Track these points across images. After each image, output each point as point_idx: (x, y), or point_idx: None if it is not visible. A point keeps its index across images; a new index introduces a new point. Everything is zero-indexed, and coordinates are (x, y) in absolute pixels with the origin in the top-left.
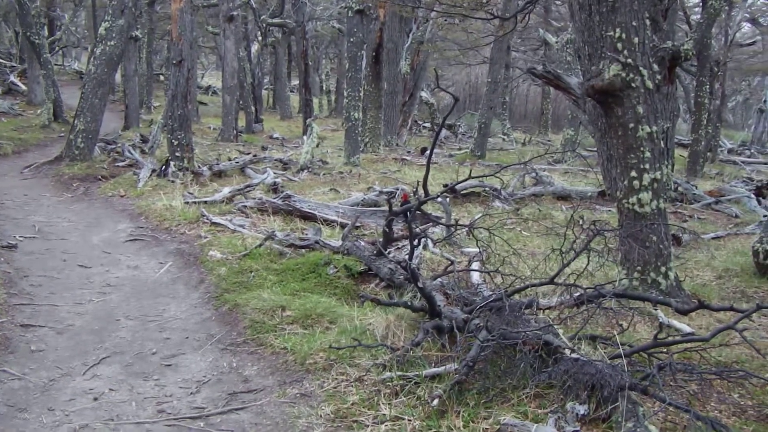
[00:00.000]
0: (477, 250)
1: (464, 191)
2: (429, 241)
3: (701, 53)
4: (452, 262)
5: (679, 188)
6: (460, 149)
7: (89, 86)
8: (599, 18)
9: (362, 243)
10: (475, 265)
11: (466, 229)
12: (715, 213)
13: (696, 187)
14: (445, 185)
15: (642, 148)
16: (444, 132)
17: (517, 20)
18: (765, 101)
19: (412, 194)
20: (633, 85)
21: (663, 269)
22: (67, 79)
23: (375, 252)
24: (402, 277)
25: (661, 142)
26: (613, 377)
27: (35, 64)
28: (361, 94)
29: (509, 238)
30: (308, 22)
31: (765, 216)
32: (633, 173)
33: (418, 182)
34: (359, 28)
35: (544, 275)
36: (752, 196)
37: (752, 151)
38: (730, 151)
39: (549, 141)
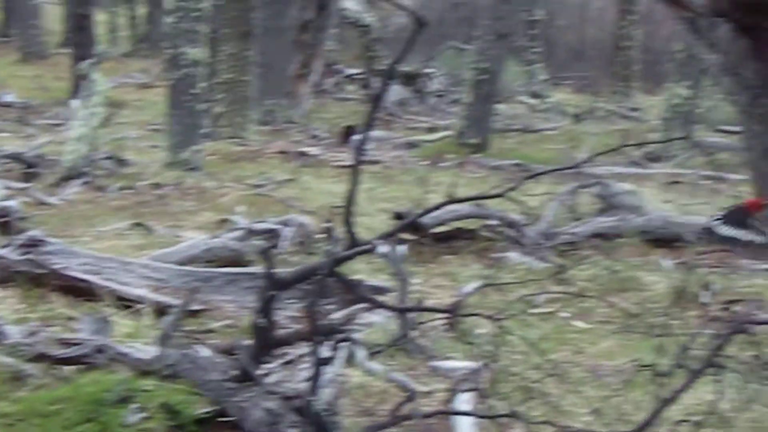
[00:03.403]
0: (470, 364)
1: (443, 227)
2: (358, 348)
3: None
4: (411, 395)
5: None
6: (433, 129)
7: None
8: None
9: (205, 352)
10: (465, 402)
11: (445, 317)
12: None
13: None
14: (398, 215)
15: None
16: (397, 92)
17: None
18: None
19: (326, 231)
20: None
21: None
22: None
23: (235, 373)
24: (300, 431)
25: None
26: None
27: None
28: (204, 4)
29: (543, 337)
30: None
31: None
32: None
33: (333, 209)
34: None
35: (621, 424)
36: None
37: None
38: None
39: (635, 110)
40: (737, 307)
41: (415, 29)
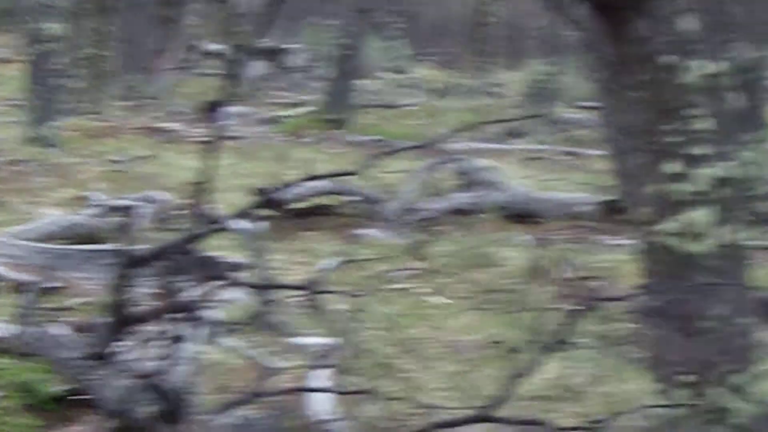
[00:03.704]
0: (328, 341)
1: (303, 204)
2: (215, 325)
3: None
4: (268, 372)
5: None
6: (295, 105)
7: None
8: None
9: (62, 329)
10: (322, 379)
11: (303, 293)
12: None
13: None
14: (259, 191)
15: (693, 110)
16: (260, 67)
17: None
18: None
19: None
20: None
21: (741, 379)
22: None
23: (91, 351)
24: (156, 408)
25: (734, 97)
26: None
27: None
28: None
29: (401, 313)
30: None
31: None
32: (671, 165)
33: (191, 185)
34: None
35: (476, 399)
36: None
37: None
38: None
39: (497, 86)
40: (590, 283)
41: (273, 5)
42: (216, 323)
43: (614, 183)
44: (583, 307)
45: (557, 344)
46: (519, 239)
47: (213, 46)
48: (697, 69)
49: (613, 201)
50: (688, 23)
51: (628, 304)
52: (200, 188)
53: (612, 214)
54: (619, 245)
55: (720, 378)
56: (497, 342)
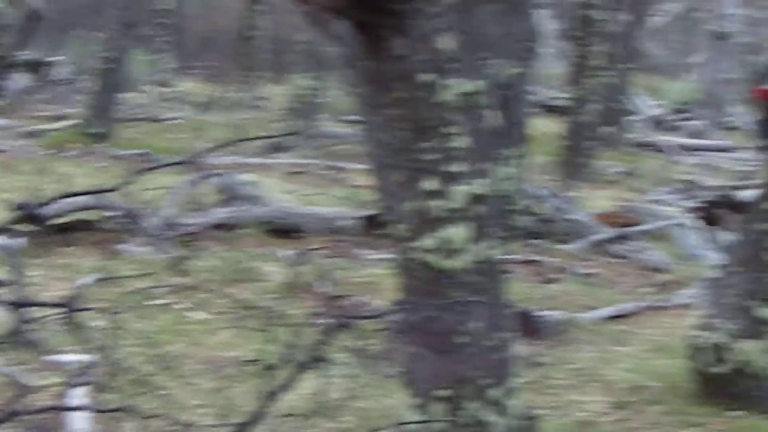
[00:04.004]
0: (86, 358)
1: (64, 219)
2: None
3: None
4: (24, 391)
5: (540, 209)
6: (59, 118)
7: None
8: None
9: None
10: (78, 397)
11: (61, 310)
12: (615, 262)
13: (577, 205)
14: (19, 206)
15: (449, 128)
16: (21, 80)
17: None
18: (726, 14)
19: None
20: None
21: (497, 393)
22: None
23: None
24: None
25: (490, 114)
26: None
27: None
28: None
29: (160, 329)
30: None
31: (718, 268)
32: (430, 182)
33: None
34: None
35: (233, 416)
36: (691, 224)
37: (700, 121)
38: (655, 121)
39: (261, 100)
40: (344, 301)
41: (33, 18)
42: None
43: (375, 198)
44: (340, 323)
45: (314, 360)
46: (280, 254)
47: None
48: (455, 87)
49: (374, 216)
50: (446, 42)
51: (385, 320)
52: None
53: (373, 229)
54: (380, 260)
55: (477, 392)
56: (255, 359)
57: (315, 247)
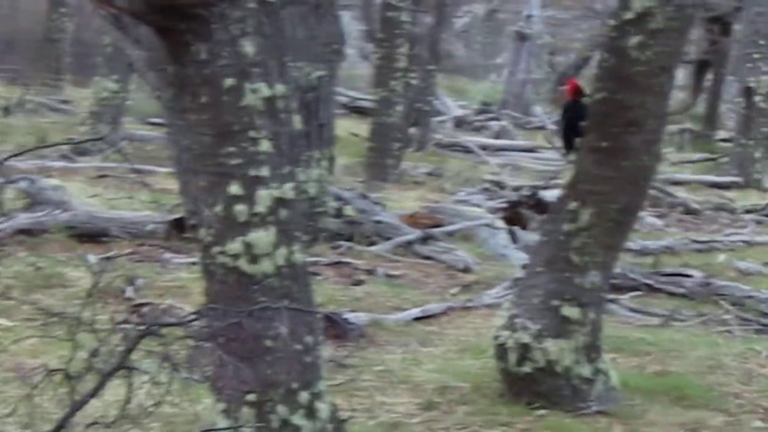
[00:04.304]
0: None
1: None
2: None
3: None
4: None
5: (347, 211)
6: None
7: None
8: None
9: None
10: None
11: None
12: (422, 262)
13: (383, 207)
14: None
15: (253, 132)
16: None
17: None
18: (529, 15)
19: None
20: None
21: (306, 397)
22: None
23: None
24: None
25: (294, 118)
26: None
27: None
28: None
29: None
30: None
31: (523, 268)
32: (234, 187)
33: None
34: None
35: (40, 425)
36: (497, 224)
37: (503, 122)
38: (458, 122)
39: (66, 103)
40: (152, 307)
41: None
42: None
43: (181, 202)
44: (146, 330)
45: (120, 367)
46: (86, 259)
47: None
48: (258, 91)
49: (180, 220)
50: (249, 47)
51: (192, 326)
52: None
53: (180, 232)
54: (188, 264)
55: (285, 396)
56: (60, 367)
57: (122, 252)
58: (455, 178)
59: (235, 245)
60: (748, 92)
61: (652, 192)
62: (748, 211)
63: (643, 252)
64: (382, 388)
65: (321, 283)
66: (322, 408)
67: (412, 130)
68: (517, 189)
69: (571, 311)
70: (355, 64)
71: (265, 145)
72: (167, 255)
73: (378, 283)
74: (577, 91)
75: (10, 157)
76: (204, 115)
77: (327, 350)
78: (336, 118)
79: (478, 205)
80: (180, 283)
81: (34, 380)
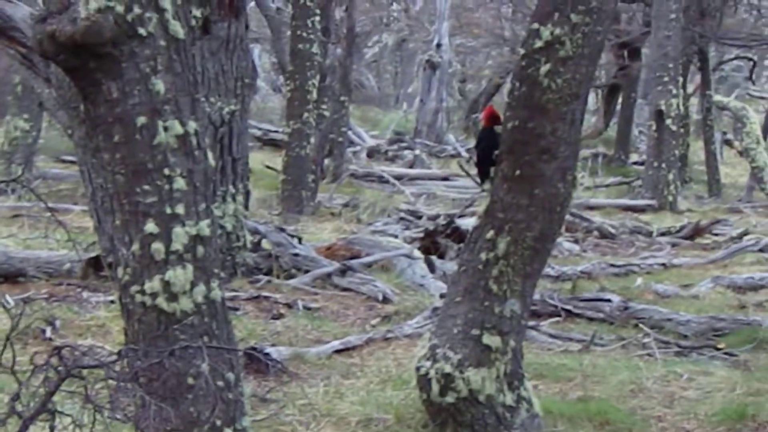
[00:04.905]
0: None
1: None
2: None
3: None
4: None
5: (264, 244)
6: None
7: None
8: None
9: None
10: None
11: None
12: (341, 294)
13: (299, 240)
14: None
15: (167, 170)
16: None
17: None
18: (438, 44)
19: None
20: (141, 31)
21: None
22: None
23: None
24: None
25: (207, 154)
26: None
27: None
28: None
29: None
30: None
31: (441, 297)
32: (150, 225)
33: None
34: None
35: None
36: (415, 254)
37: (417, 151)
38: (371, 151)
39: None
40: (72, 347)
41: None
42: None
43: (97, 240)
44: (67, 371)
45: (42, 410)
46: (3, 300)
47: None
48: (170, 129)
49: (97, 258)
50: (160, 84)
51: (112, 366)
52: None
53: (97, 271)
54: (106, 302)
55: None
56: None
57: (40, 292)
58: (371, 209)
59: (153, 284)
60: (659, 115)
61: (568, 217)
62: (663, 234)
63: (561, 278)
64: (306, 422)
65: (241, 318)
66: None
67: (327, 162)
68: (433, 218)
69: (491, 340)
70: (267, 97)
71: (180, 183)
72: (85, 294)
73: (298, 316)
74: (493, 118)
75: None
76: (117, 153)
77: (249, 386)
78: (250, 151)
79: (395, 235)
80: (99, 322)
81: None
